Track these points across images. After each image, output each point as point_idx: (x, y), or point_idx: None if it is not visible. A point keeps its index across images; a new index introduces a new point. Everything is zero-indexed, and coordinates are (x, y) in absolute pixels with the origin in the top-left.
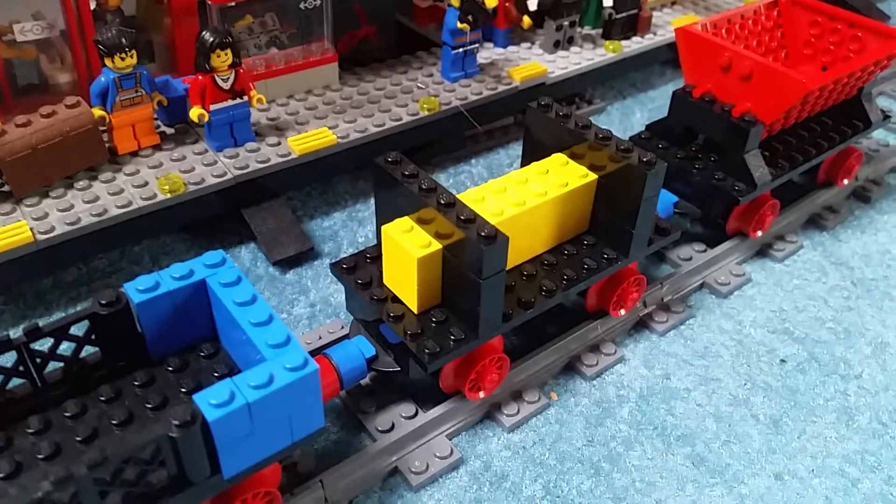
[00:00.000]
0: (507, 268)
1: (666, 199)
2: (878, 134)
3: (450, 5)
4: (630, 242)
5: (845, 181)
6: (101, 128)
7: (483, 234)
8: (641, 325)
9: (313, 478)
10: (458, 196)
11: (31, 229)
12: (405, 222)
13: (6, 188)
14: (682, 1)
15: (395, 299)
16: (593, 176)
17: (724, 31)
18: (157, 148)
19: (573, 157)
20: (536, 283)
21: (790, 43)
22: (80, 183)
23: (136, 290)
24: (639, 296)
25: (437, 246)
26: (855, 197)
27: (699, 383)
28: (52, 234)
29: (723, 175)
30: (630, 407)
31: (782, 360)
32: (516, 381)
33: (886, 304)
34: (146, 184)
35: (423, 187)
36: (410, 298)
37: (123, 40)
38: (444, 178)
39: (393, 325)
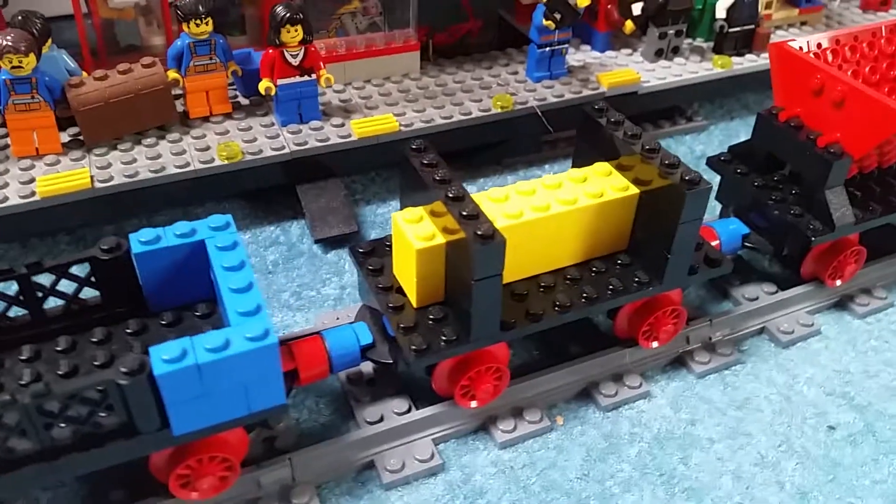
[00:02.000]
0: (523, 276)
1: (735, 230)
2: None
3: (540, 2)
4: (665, 268)
5: None
6: (176, 90)
7: (479, 232)
8: (680, 362)
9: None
10: (484, 192)
11: (92, 177)
12: (417, 212)
13: (81, 137)
14: (813, 21)
15: (400, 290)
16: (635, 190)
17: (829, 52)
18: (228, 116)
19: (620, 168)
20: (552, 296)
21: None
22: (148, 140)
23: (138, 241)
24: (676, 329)
25: (441, 240)
26: None
27: (727, 436)
28: (109, 183)
29: (800, 211)
30: (641, 447)
31: (830, 427)
32: (521, 398)
33: None
34: (208, 148)
35: (437, 178)
36: (411, 291)
37: (200, 7)
38: (511, 180)
39: (390, 316)
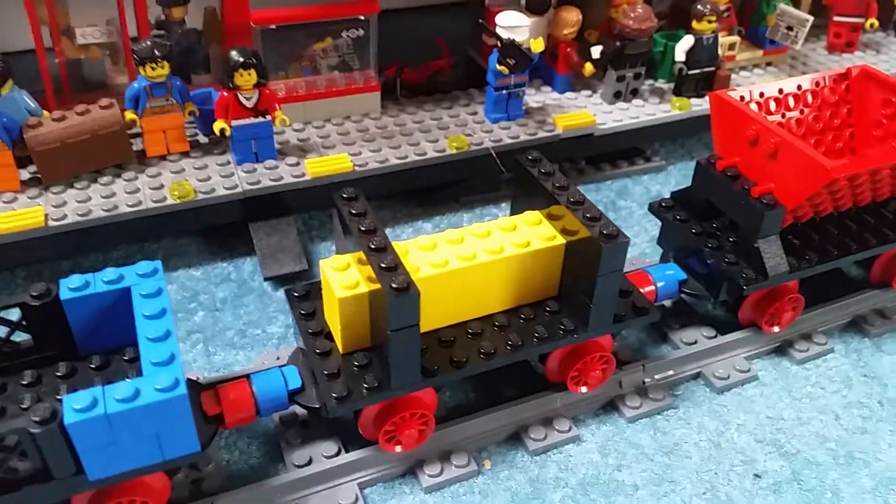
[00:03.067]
0: (452, 322)
1: (672, 277)
2: None
3: (494, 46)
4: (589, 316)
5: None
6: (134, 130)
7: (394, 285)
8: (612, 406)
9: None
10: (413, 240)
11: (46, 215)
12: (345, 259)
13: (39, 175)
14: (779, 63)
15: (329, 335)
16: (561, 241)
17: (772, 101)
18: (185, 155)
19: (550, 217)
20: (478, 342)
21: (858, 122)
22: (105, 178)
23: (68, 287)
24: (605, 375)
25: (364, 289)
26: None
27: (652, 482)
28: (63, 222)
29: (735, 259)
30: (565, 493)
31: (756, 475)
32: (449, 441)
33: None
34: (161, 187)
35: (363, 229)
36: (337, 337)
37: (155, 52)
38: (468, 218)
39: (317, 361)
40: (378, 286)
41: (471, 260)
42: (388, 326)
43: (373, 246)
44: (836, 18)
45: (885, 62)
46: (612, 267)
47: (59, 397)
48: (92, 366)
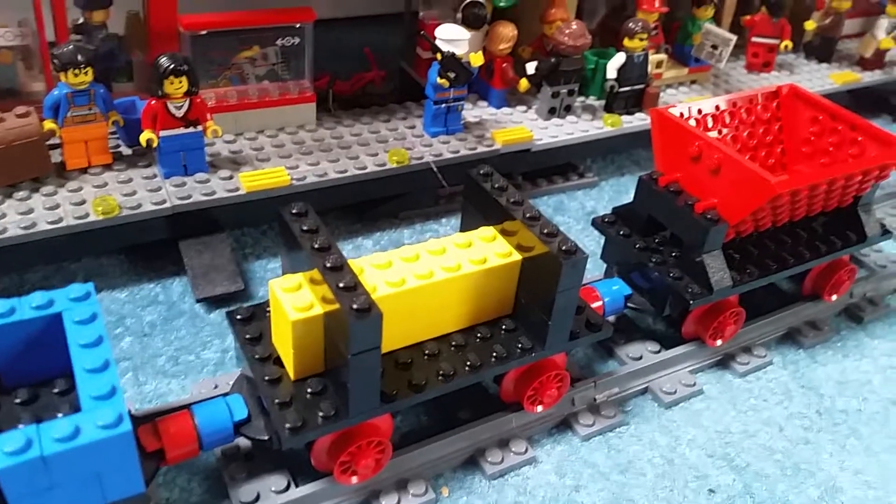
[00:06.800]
0: (408, 343)
1: (617, 291)
2: (893, 249)
3: (434, 59)
4: (546, 334)
5: (833, 297)
6: (53, 140)
7: (355, 306)
8: (566, 424)
9: None
10: (366, 258)
11: None
12: (296, 279)
13: None
14: (703, 80)
15: (278, 360)
16: (517, 257)
17: (709, 117)
18: (107, 167)
19: (504, 233)
20: (435, 364)
21: (788, 138)
22: (21, 193)
23: None
24: (560, 393)
25: (319, 310)
26: (847, 315)
27: (610, 502)
28: None
29: (679, 273)
30: None
31: (711, 490)
32: (406, 469)
33: (850, 444)
34: (83, 202)
35: (316, 246)
36: (288, 362)
37: (78, 57)
38: (408, 234)
39: (265, 389)
40: (334, 307)
41: (428, 278)
42: (347, 350)
43: (329, 264)
44: (753, 39)
45: (798, 82)
46: (570, 283)
47: None
48: (17, 400)
